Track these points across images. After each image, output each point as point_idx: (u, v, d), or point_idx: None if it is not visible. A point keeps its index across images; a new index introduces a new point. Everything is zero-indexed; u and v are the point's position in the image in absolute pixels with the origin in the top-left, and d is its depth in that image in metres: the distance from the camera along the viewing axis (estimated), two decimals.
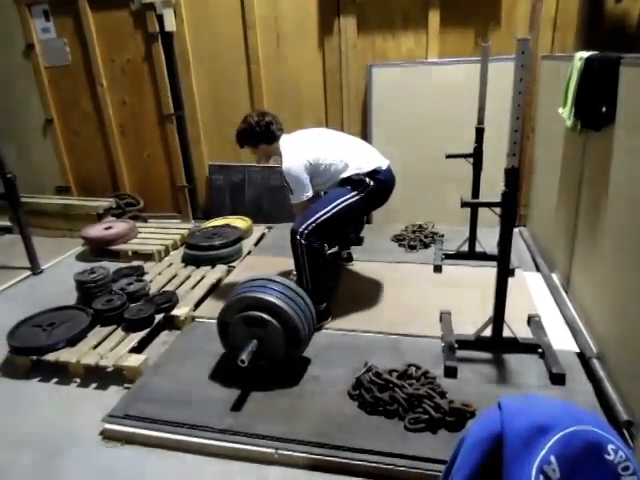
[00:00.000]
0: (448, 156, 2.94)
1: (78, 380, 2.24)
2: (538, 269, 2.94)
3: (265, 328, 1.99)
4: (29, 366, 2.30)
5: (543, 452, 0.85)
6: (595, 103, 2.04)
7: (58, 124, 4.36)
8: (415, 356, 2.14)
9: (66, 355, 2.27)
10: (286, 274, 2.67)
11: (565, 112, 2.34)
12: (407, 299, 2.68)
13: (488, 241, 2.92)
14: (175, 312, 2.63)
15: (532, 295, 2.62)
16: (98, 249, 3.57)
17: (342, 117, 3.79)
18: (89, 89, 4.16)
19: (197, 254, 3.26)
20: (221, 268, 3.19)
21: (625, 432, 1.67)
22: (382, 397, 1.84)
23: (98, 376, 2.23)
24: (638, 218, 1.70)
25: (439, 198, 3.58)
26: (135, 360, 2.23)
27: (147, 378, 2.15)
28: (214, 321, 2.19)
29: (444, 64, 3.42)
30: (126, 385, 2.16)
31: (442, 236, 3.44)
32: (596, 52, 2.10)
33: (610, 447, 0.86)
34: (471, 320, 2.29)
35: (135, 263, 3.32)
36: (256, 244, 3.65)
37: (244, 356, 1.88)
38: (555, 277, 2.77)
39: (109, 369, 2.23)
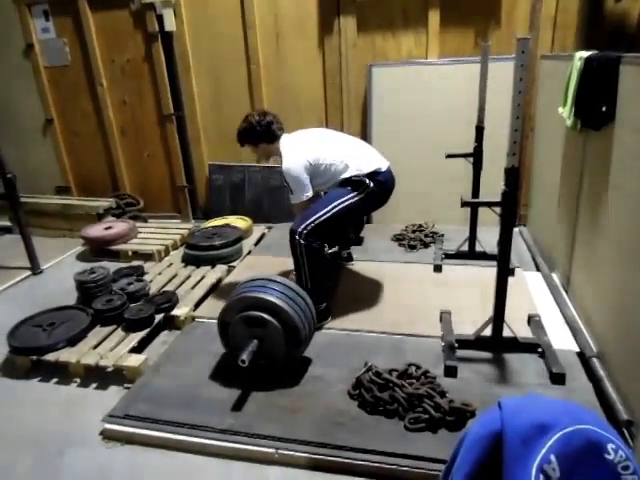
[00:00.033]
0: (448, 156, 2.94)
1: (78, 380, 2.24)
2: (538, 269, 2.94)
3: (265, 328, 1.99)
4: (29, 366, 2.30)
5: (543, 451, 0.85)
6: (595, 102, 2.04)
7: (58, 124, 4.37)
8: (415, 356, 2.14)
9: (66, 355, 2.27)
10: (286, 274, 2.67)
11: (565, 111, 2.34)
12: (407, 299, 2.68)
13: (488, 241, 2.92)
14: (175, 312, 2.63)
15: (532, 295, 2.62)
16: (98, 249, 3.57)
17: (342, 117, 3.79)
18: (89, 89, 4.16)
19: (197, 254, 3.26)
20: (221, 268, 3.19)
21: (625, 431, 1.67)
22: (382, 397, 1.84)
23: (98, 376, 2.23)
24: (638, 217, 1.70)
25: (439, 198, 3.58)
26: (135, 360, 2.23)
27: (147, 378, 2.15)
28: (214, 321, 2.19)
29: (444, 64, 3.42)
30: (126, 385, 2.16)
31: (442, 236, 3.44)
32: (596, 52, 2.11)
33: (610, 446, 0.86)
34: (471, 320, 2.29)
35: (135, 263, 3.32)
36: (256, 244, 3.65)
37: (244, 356, 1.88)
38: (555, 277, 2.77)
39: (109, 369, 2.23)
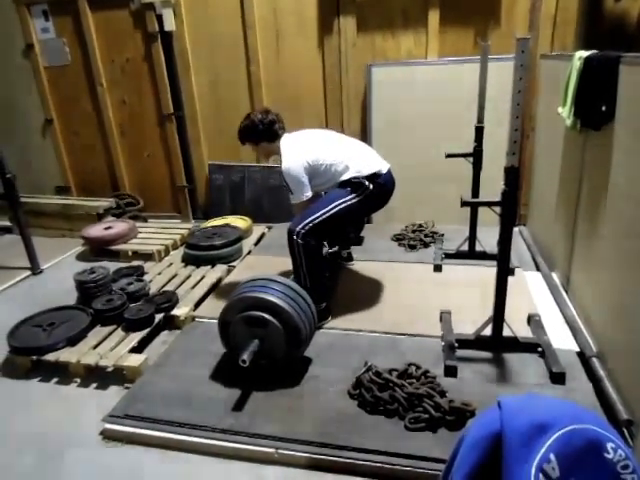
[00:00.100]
0: (448, 155, 2.94)
1: (78, 380, 2.24)
2: (538, 268, 2.94)
3: (266, 328, 1.99)
4: (29, 366, 2.31)
5: (543, 450, 0.85)
6: (595, 102, 2.04)
7: (58, 124, 4.37)
8: (415, 355, 2.14)
9: (66, 355, 2.27)
10: (286, 274, 2.67)
11: (565, 111, 2.34)
12: (407, 298, 2.68)
13: (488, 240, 2.92)
14: (175, 312, 2.63)
15: (532, 294, 2.62)
16: (98, 249, 3.57)
17: (342, 116, 3.79)
18: (89, 89, 4.16)
19: (197, 254, 3.26)
20: (221, 268, 3.19)
21: (625, 431, 1.67)
22: (382, 396, 1.85)
23: (98, 376, 2.23)
24: (638, 217, 1.70)
25: (439, 197, 3.57)
26: (135, 360, 2.23)
27: (147, 378, 2.15)
28: (214, 321, 2.19)
29: (444, 63, 3.42)
30: (126, 385, 2.16)
31: (442, 235, 3.44)
32: (596, 51, 2.10)
33: (610, 445, 0.86)
34: (471, 319, 2.29)
35: (135, 263, 3.32)
36: (256, 244, 3.66)
37: (245, 356, 1.88)
38: (555, 276, 2.77)
39: (109, 369, 2.23)
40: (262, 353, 1.99)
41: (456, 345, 2.14)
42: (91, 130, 4.31)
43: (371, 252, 3.31)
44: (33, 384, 2.24)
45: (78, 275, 2.75)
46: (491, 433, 0.91)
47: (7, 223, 4.08)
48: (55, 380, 2.25)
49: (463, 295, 2.65)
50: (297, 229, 2.35)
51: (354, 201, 2.42)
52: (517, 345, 2.12)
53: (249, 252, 3.49)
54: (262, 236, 3.80)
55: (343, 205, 2.40)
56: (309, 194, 2.46)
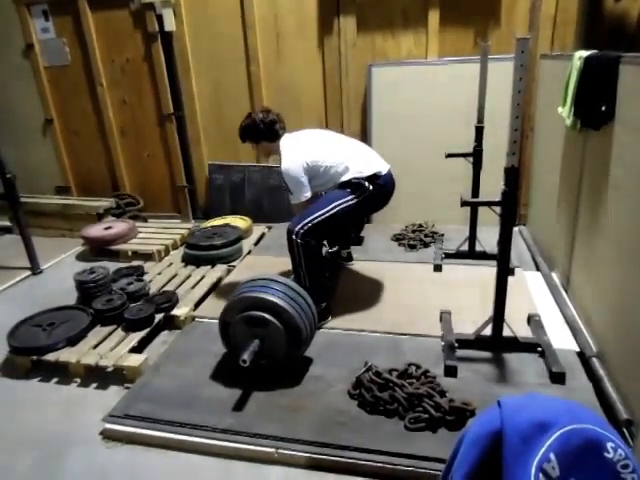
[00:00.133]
0: (448, 155, 2.94)
1: (78, 380, 2.24)
2: (538, 268, 2.94)
3: (267, 328, 1.99)
4: (29, 366, 2.31)
5: (543, 450, 0.85)
6: (595, 102, 2.04)
7: (58, 124, 4.37)
8: (415, 355, 2.14)
9: (66, 355, 2.27)
10: (286, 274, 2.67)
11: (565, 111, 2.34)
12: (407, 298, 2.68)
13: (488, 240, 2.92)
14: (175, 312, 2.63)
15: (532, 294, 2.62)
16: (98, 249, 3.57)
17: (342, 116, 3.79)
18: (89, 89, 4.16)
19: (197, 254, 3.26)
20: (221, 268, 3.19)
21: (625, 431, 1.67)
22: (382, 396, 1.85)
23: (98, 376, 2.23)
24: (638, 217, 1.70)
25: (439, 197, 3.57)
26: (135, 360, 2.23)
27: (147, 378, 2.15)
28: (214, 321, 2.19)
29: (444, 63, 3.42)
30: (126, 385, 2.16)
31: (442, 235, 3.44)
32: (595, 51, 2.11)
33: (609, 445, 0.86)
34: (471, 319, 2.29)
35: (135, 263, 3.32)
36: (256, 244, 3.66)
37: (246, 356, 1.88)
38: (555, 276, 2.77)
39: (109, 369, 2.23)
40: (263, 353, 1.99)
41: (456, 345, 2.14)
42: (91, 130, 4.31)
43: (371, 252, 3.31)
44: (33, 384, 2.24)
45: (78, 275, 2.75)
46: (491, 432, 0.91)
47: (7, 223, 4.08)
48: (55, 380, 2.25)
49: (463, 295, 2.65)
50: (296, 229, 2.35)
51: (354, 202, 2.42)
52: (517, 345, 2.12)
53: (249, 252, 3.49)
54: (262, 236, 3.80)
55: (343, 206, 2.40)
56: (308, 194, 2.47)
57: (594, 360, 1.99)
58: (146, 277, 3.06)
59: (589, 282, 2.28)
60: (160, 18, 3.75)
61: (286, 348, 2.01)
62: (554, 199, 2.78)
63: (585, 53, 2.12)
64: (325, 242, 2.98)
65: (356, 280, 2.96)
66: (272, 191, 4.00)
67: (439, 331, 2.31)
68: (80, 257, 3.62)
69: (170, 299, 2.69)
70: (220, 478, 1.69)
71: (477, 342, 2.15)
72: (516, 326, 2.15)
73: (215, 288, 2.97)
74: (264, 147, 2.65)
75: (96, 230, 3.62)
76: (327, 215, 2.37)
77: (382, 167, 2.50)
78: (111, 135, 4.24)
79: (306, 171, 2.44)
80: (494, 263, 2.02)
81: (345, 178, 2.45)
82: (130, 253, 3.50)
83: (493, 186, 2.13)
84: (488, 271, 2.40)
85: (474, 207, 2.84)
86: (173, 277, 3.10)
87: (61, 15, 3.99)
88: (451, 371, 2.02)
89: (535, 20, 3.24)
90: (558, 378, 1.94)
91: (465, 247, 3.08)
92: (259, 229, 3.87)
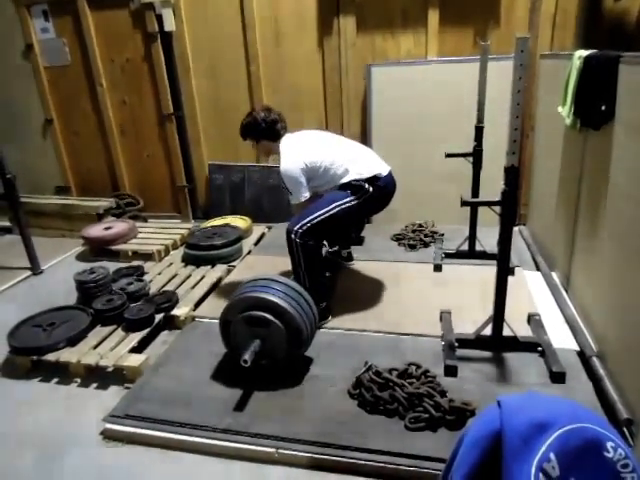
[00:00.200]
0: (448, 155, 2.94)
1: (78, 380, 2.24)
2: (538, 268, 2.94)
3: (268, 328, 1.98)
4: (29, 366, 2.31)
5: (542, 449, 0.85)
6: (594, 101, 2.04)
7: (58, 124, 4.37)
8: (415, 355, 2.14)
9: (66, 355, 2.27)
10: (287, 274, 2.67)
11: (564, 111, 2.34)
12: (407, 298, 2.68)
13: (488, 240, 2.92)
14: (175, 312, 2.63)
15: (532, 294, 2.62)
16: (98, 249, 3.57)
17: (342, 116, 3.79)
18: (89, 89, 4.16)
19: (197, 254, 3.26)
20: (221, 268, 3.19)
21: (625, 430, 1.67)
22: (382, 396, 1.85)
23: (98, 376, 2.23)
24: (638, 217, 1.70)
25: (439, 197, 3.57)
26: (135, 360, 2.23)
27: (147, 378, 2.15)
28: (214, 321, 2.19)
29: (443, 63, 3.42)
30: (126, 385, 2.16)
31: (442, 235, 3.44)
32: (595, 51, 2.10)
33: (609, 445, 0.86)
34: (471, 319, 2.29)
35: (135, 263, 3.32)
36: (256, 244, 3.66)
37: (247, 356, 1.87)
38: (555, 276, 2.77)
39: (109, 369, 2.23)
40: (263, 353, 1.99)
41: (456, 345, 2.14)
42: (91, 130, 4.31)
43: (371, 252, 3.31)
44: (33, 384, 2.24)
45: (78, 275, 2.75)
46: (491, 432, 0.91)
47: (7, 223, 4.08)
48: (55, 380, 2.25)
49: (463, 295, 2.65)
50: (295, 228, 2.35)
51: (353, 203, 2.42)
52: (517, 345, 2.12)
53: (249, 252, 3.49)
54: (262, 236, 3.80)
55: (342, 206, 2.40)
56: (307, 195, 2.47)
57: (594, 360, 1.99)
58: (146, 277, 3.06)
59: (589, 281, 2.28)
60: (160, 18, 3.75)
61: (287, 348, 2.01)
62: (554, 199, 2.78)
63: (585, 53, 2.12)
64: (325, 242, 2.98)
65: (356, 280, 2.96)
66: (272, 191, 4.00)
67: (439, 331, 2.31)
68: (80, 257, 3.62)
69: (170, 299, 2.69)
70: (220, 478, 1.69)
71: (477, 342, 2.15)
72: (516, 326, 2.15)
73: (215, 288, 2.96)
74: (264, 146, 2.65)
75: (96, 230, 3.62)
76: (326, 215, 2.37)
77: (382, 169, 2.50)
78: (111, 135, 4.24)
79: (305, 172, 2.44)
80: (494, 263, 2.02)
81: (345, 180, 2.45)
82: (130, 253, 3.50)
83: (493, 186, 2.13)
84: (488, 271, 2.39)
85: (474, 207, 2.84)
86: (173, 277, 3.10)
87: (61, 15, 3.99)
88: (451, 371, 2.02)
89: (535, 20, 3.24)
90: (558, 378, 1.94)
91: (465, 247, 3.08)
92: (259, 229, 3.87)
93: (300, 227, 2.35)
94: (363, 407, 1.87)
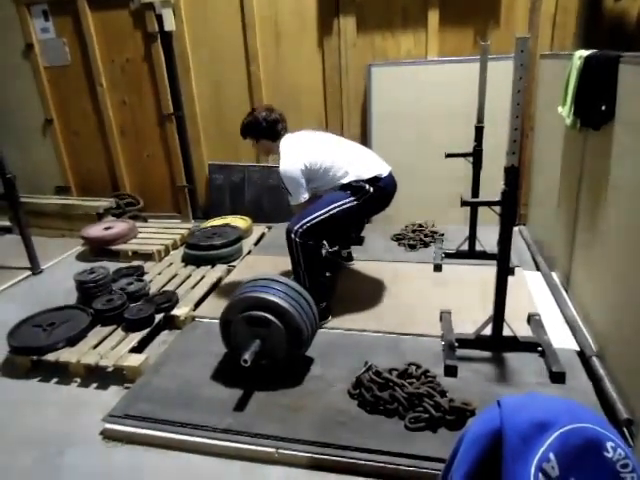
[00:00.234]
0: (448, 155, 2.94)
1: (78, 380, 2.24)
2: (538, 268, 2.94)
3: (268, 328, 1.98)
4: (29, 366, 2.31)
5: (542, 449, 0.85)
6: (594, 101, 2.04)
7: (58, 124, 4.37)
8: (415, 355, 2.14)
9: (66, 355, 2.27)
10: (287, 274, 2.67)
11: (564, 111, 2.34)
12: (407, 298, 2.68)
13: (488, 240, 2.92)
14: (175, 312, 2.63)
15: (532, 294, 2.62)
16: (98, 249, 3.57)
17: (342, 116, 3.79)
18: (89, 89, 4.16)
19: (197, 254, 3.26)
20: (221, 268, 3.19)
21: (625, 430, 1.67)
22: (382, 396, 1.85)
23: (98, 376, 2.23)
24: (638, 216, 1.70)
25: (439, 197, 3.57)
26: (135, 360, 2.23)
27: (147, 378, 2.15)
28: (214, 321, 2.19)
29: (443, 63, 3.42)
30: (126, 385, 2.16)
31: (442, 235, 3.43)
32: (595, 51, 2.10)
33: (609, 445, 0.86)
34: (471, 319, 2.29)
35: (135, 263, 3.32)
36: (256, 244, 3.66)
37: (247, 356, 1.87)
38: (555, 276, 2.77)
39: (109, 369, 2.23)
40: (263, 353, 1.99)
41: (456, 345, 2.14)
42: (91, 130, 4.31)
43: (371, 252, 3.31)
44: (33, 384, 2.24)
45: (78, 275, 2.75)
46: (491, 431, 0.91)
47: (7, 223, 4.08)
48: (55, 380, 2.25)
49: (463, 295, 2.65)
50: (295, 228, 2.36)
51: (354, 204, 2.42)
52: (517, 344, 2.12)
53: (249, 252, 3.49)
54: (262, 236, 3.80)
55: (343, 207, 2.40)
56: (306, 196, 2.46)
57: (594, 359, 1.99)
58: (146, 277, 3.06)
59: (589, 281, 2.28)
60: (160, 18, 3.75)
61: (287, 348, 2.01)
62: (554, 199, 2.78)
63: (585, 52, 2.12)
64: (325, 242, 2.98)
65: (356, 280, 2.96)
66: (272, 191, 4.00)
67: (439, 331, 2.31)
68: (80, 257, 3.62)
69: (170, 299, 2.69)
70: (220, 478, 1.69)
71: (477, 342, 2.15)
72: (516, 326, 2.15)
73: (215, 288, 2.96)
74: (264, 145, 2.65)
75: (96, 230, 3.62)
76: (326, 216, 2.37)
77: (382, 169, 2.50)
78: (111, 135, 4.24)
79: (304, 173, 2.44)
80: (494, 263, 2.02)
81: (344, 181, 2.45)
82: (130, 253, 3.50)
83: (493, 186, 2.13)
84: (488, 271, 2.39)
85: (474, 207, 2.84)
86: (173, 277, 3.10)
87: (61, 15, 3.99)
88: (451, 371, 2.02)
89: (535, 20, 3.24)
90: (558, 378, 1.94)
91: (465, 247, 3.08)
92: (259, 229, 3.87)
93: (300, 227, 2.35)
94: (363, 407, 1.87)
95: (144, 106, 4.12)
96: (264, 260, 3.28)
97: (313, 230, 2.36)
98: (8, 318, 2.53)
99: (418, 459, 1.64)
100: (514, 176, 1.84)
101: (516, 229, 3.36)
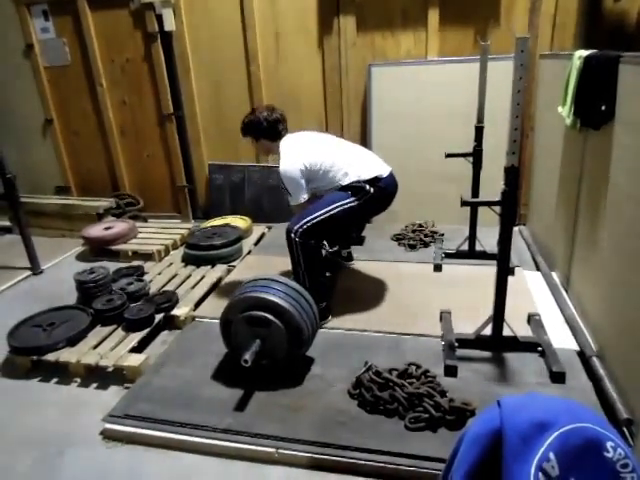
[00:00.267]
0: (448, 155, 2.94)
1: (78, 380, 2.24)
2: (538, 268, 2.94)
3: (268, 328, 1.98)
4: (29, 366, 2.31)
5: (542, 449, 0.85)
6: (594, 101, 2.04)
7: (58, 124, 4.37)
8: (415, 355, 2.14)
9: (66, 355, 2.27)
10: (287, 274, 2.67)
11: (564, 111, 2.34)
12: (407, 298, 2.68)
13: (488, 240, 2.92)
14: (175, 312, 2.63)
15: (532, 294, 2.62)
16: (98, 249, 3.57)
17: (342, 116, 3.79)
18: (89, 89, 4.16)
19: (197, 254, 3.26)
20: (221, 268, 3.19)
21: (625, 430, 1.67)
22: (382, 396, 1.85)
23: (98, 376, 2.23)
24: (638, 217, 1.70)
25: (439, 197, 3.57)
26: (135, 360, 2.23)
27: (147, 378, 2.15)
28: (214, 321, 2.19)
29: (443, 63, 3.42)
30: (126, 385, 2.16)
31: (442, 235, 3.44)
32: (595, 51, 2.10)
33: (609, 444, 0.86)
34: (471, 319, 2.28)
35: (135, 263, 3.32)
36: (256, 243, 3.66)
37: (247, 356, 1.87)
38: (555, 276, 2.77)
39: (109, 369, 2.23)
40: (264, 353, 1.99)
41: (456, 345, 2.14)
42: (91, 130, 4.31)
43: (371, 252, 3.31)
44: (33, 384, 2.24)
45: (78, 275, 2.75)
46: (491, 430, 0.91)
47: (7, 223, 4.08)
48: (55, 380, 2.25)
49: (463, 295, 2.65)
50: (295, 228, 2.36)
51: (354, 204, 2.42)
52: (517, 344, 2.12)
53: (249, 252, 3.49)
54: (262, 236, 3.80)
55: (343, 207, 2.40)
56: (306, 197, 2.47)
57: (594, 359, 1.99)
58: (146, 277, 3.06)
59: (589, 281, 2.28)
60: (160, 18, 3.75)
61: (287, 348, 2.01)
62: (554, 199, 2.78)
63: (585, 53, 2.12)
64: (325, 242, 2.98)
65: (356, 280, 2.96)
66: (272, 191, 4.00)
67: (439, 331, 2.31)
68: (80, 257, 3.62)
69: (170, 299, 2.69)
70: (221, 478, 1.69)
71: (477, 342, 2.15)
72: (516, 326, 2.15)
73: (215, 288, 2.96)
74: (264, 145, 2.65)
75: (96, 230, 3.62)
76: (326, 216, 2.37)
77: (383, 170, 2.50)
78: (111, 135, 4.24)
79: (304, 174, 2.44)
80: (494, 263, 2.02)
81: (344, 183, 2.45)
82: (130, 253, 3.50)
83: (493, 186, 2.13)
84: (488, 271, 2.39)
85: (474, 207, 2.84)
86: (173, 277, 3.10)
87: (61, 15, 3.99)
88: (451, 371, 2.02)
89: (535, 20, 3.24)
90: (558, 377, 1.94)
91: (465, 247, 3.08)
92: (259, 229, 3.87)
93: (300, 227, 2.35)
94: (363, 407, 1.87)
95: (144, 106, 4.12)
96: (264, 260, 3.28)
97: (313, 230, 2.36)
98: (8, 318, 2.53)
99: (418, 459, 1.64)
100: (514, 176, 1.84)
101: (516, 229, 3.36)
